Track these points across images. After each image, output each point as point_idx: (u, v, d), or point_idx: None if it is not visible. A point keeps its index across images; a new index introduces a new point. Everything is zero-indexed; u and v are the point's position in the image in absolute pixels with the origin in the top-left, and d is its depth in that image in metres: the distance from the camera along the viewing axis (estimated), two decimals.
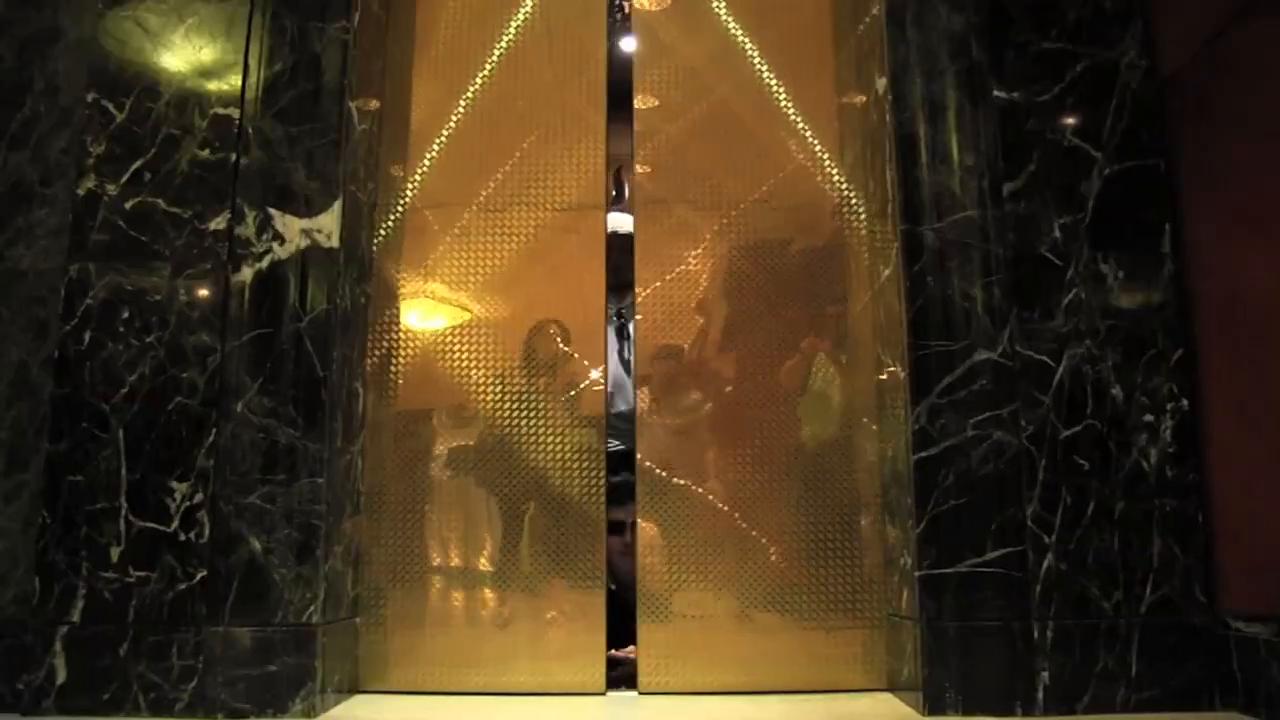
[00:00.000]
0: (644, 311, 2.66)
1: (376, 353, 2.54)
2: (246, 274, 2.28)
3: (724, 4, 2.79)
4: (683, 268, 2.68)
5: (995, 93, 2.31)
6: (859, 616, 2.41)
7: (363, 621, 2.39)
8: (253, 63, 2.36)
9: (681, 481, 2.58)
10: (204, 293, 2.28)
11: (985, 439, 2.18)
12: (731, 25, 2.78)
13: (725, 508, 2.53)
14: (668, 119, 2.72)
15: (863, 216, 2.57)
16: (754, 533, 2.51)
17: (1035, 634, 2.09)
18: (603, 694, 2.48)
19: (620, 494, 2.97)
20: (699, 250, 2.66)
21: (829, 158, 2.65)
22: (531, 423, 2.59)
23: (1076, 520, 2.14)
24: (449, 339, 2.61)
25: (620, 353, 3.54)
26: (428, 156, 2.71)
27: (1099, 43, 2.33)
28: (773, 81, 2.72)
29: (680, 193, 2.68)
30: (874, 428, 2.46)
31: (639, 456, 2.58)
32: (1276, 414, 1.99)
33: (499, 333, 2.62)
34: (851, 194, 2.61)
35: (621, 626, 2.90)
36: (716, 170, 2.69)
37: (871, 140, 2.50)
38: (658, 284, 2.66)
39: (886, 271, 2.38)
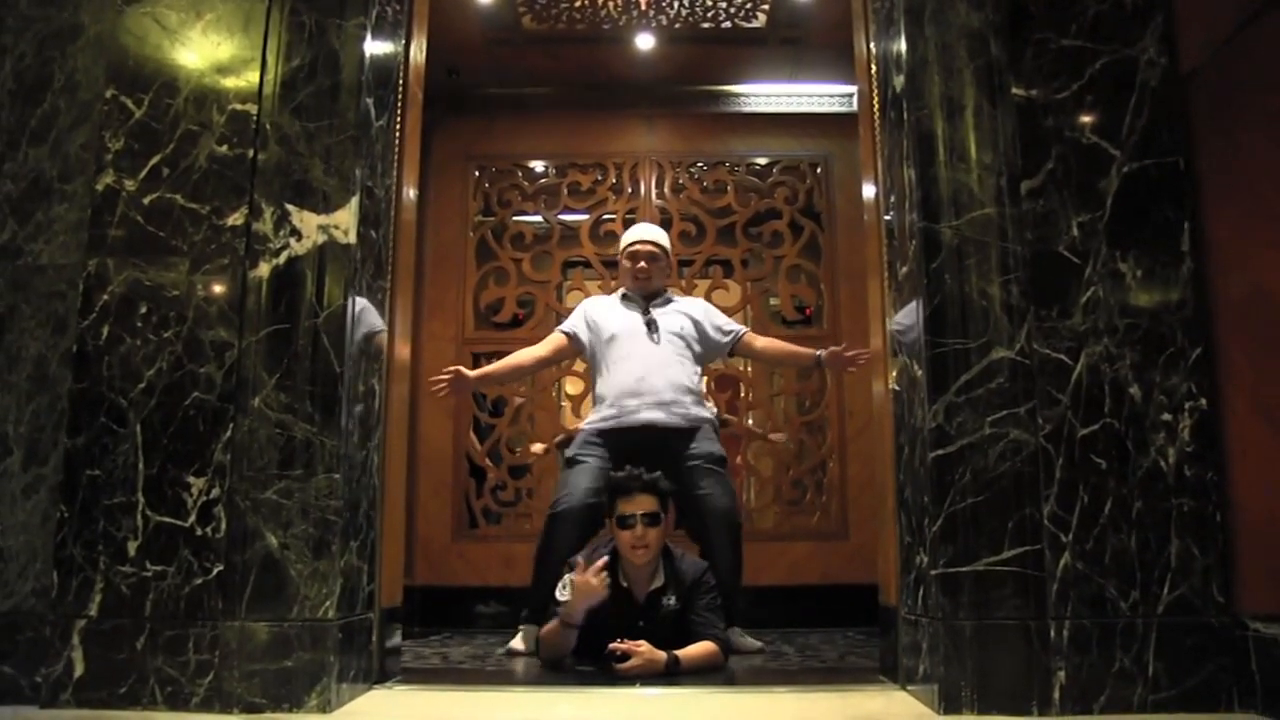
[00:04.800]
0: None
1: (393, 348, 2.54)
2: (264, 270, 2.28)
3: None
4: None
5: (1014, 90, 2.30)
6: None
7: (378, 617, 2.39)
8: (270, 59, 2.37)
9: None
10: (221, 288, 2.28)
11: (1002, 437, 2.16)
12: None
13: None
14: None
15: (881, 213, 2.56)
16: None
17: (1052, 633, 2.08)
18: None
19: (630, 488, 2.97)
20: None
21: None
22: None
23: (1094, 519, 2.13)
24: None
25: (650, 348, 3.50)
26: None
27: (1118, 40, 2.31)
28: None
29: None
30: (891, 425, 2.45)
31: None
32: None
33: None
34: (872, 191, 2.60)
35: (631, 621, 2.91)
36: None
37: (889, 137, 2.48)
38: None
39: (904, 269, 2.38)
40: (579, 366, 4.37)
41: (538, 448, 4.60)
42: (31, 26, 2.56)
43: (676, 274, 4.81)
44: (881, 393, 2.55)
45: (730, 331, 3.63)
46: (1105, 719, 2.04)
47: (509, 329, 4.80)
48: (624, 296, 3.65)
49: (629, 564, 2.98)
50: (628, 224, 4.69)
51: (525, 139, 4.94)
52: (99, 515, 2.19)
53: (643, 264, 3.58)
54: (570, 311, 3.82)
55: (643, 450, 3.22)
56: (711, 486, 3.32)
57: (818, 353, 3.51)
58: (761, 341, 3.73)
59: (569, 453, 3.49)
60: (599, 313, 3.61)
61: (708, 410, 3.55)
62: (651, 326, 3.49)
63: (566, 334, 3.62)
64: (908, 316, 2.33)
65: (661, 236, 3.70)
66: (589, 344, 3.57)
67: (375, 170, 2.43)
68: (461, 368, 3.46)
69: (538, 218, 4.91)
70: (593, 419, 3.48)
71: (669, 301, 3.64)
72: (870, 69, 2.64)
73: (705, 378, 4.63)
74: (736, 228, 4.81)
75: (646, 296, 3.60)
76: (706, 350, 3.61)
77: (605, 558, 2.84)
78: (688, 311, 3.61)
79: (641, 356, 3.43)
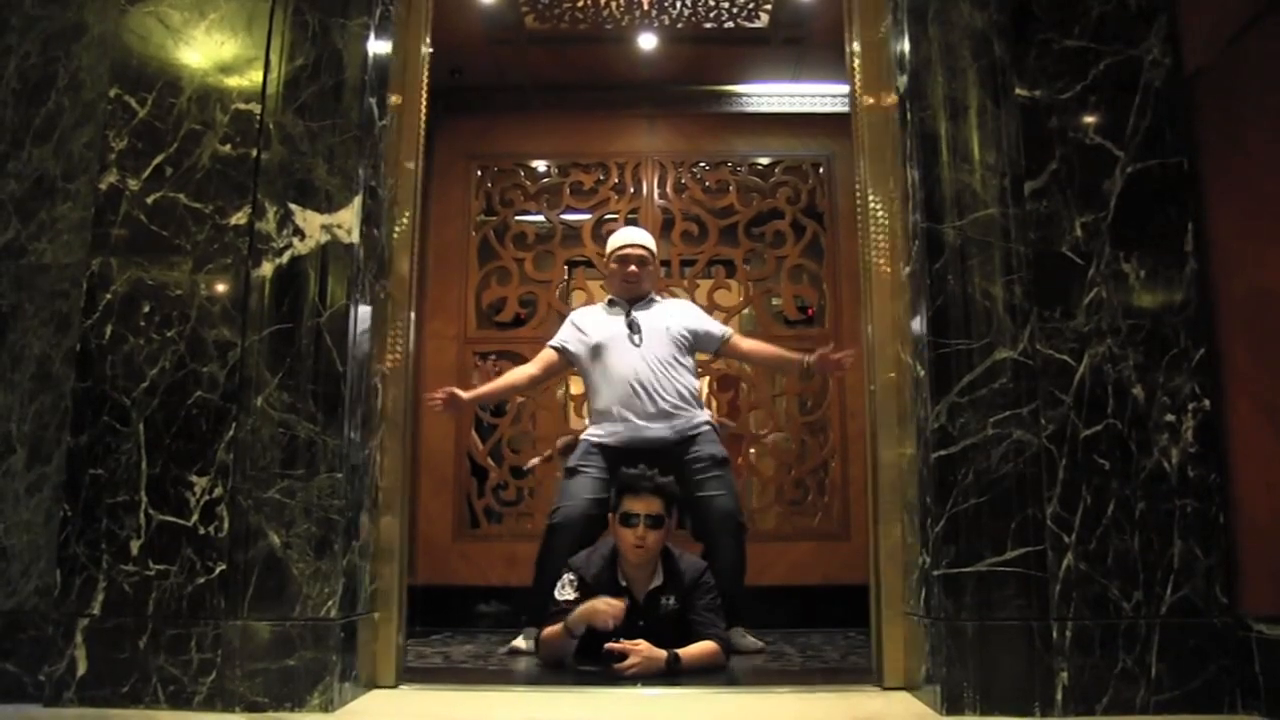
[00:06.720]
0: None
1: (395, 348, 2.54)
2: (267, 269, 2.28)
3: None
4: None
5: (1017, 90, 2.30)
6: None
7: (380, 616, 2.39)
8: (274, 58, 2.37)
9: None
10: (224, 287, 2.28)
11: (1005, 438, 2.16)
12: None
13: None
14: None
15: (884, 214, 2.55)
16: None
17: (1054, 634, 2.08)
18: None
19: (640, 487, 2.97)
20: None
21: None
22: None
23: (1096, 520, 2.13)
24: None
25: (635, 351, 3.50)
26: None
27: (1122, 40, 2.31)
28: None
29: None
30: (893, 426, 2.45)
31: None
32: None
33: None
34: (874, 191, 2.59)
35: (630, 621, 2.90)
36: None
37: (893, 138, 2.48)
38: None
39: (907, 269, 2.37)
40: None
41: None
42: (36, 26, 2.56)
43: (677, 276, 4.82)
44: None
45: (716, 331, 3.62)
46: None
47: (511, 328, 4.80)
48: (609, 303, 3.66)
49: (626, 562, 2.98)
50: (630, 224, 4.69)
51: (527, 138, 4.94)
52: (102, 514, 2.19)
53: (633, 268, 3.58)
54: (571, 312, 3.83)
55: (645, 459, 3.23)
56: (715, 489, 3.32)
57: (806, 359, 3.44)
58: (748, 344, 3.72)
59: (570, 462, 3.48)
60: (585, 322, 3.62)
61: (705, 412, 3.55)
62: (633, 328, 3.50)
63: (556, 349, 3.62)
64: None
65: (649, 240, 3.70)
66: (579, 355, 3.57)
67: (378, 170, 2.43)
68: (456, 389, 3.45)
69: (540, 217, 4.91)
70: (594, 432, 3.48)
71: (652, 303, 3.63)
72: None
73: (704, 375, 4.66)
74: (739, 228, 4.81)
75: (631, 301, 3.60)
76: (693, 341, 3.58)
77: (626, 601, 2.80)
78: (671, 309, 3.63)
79: (631, 364, 3.43)
